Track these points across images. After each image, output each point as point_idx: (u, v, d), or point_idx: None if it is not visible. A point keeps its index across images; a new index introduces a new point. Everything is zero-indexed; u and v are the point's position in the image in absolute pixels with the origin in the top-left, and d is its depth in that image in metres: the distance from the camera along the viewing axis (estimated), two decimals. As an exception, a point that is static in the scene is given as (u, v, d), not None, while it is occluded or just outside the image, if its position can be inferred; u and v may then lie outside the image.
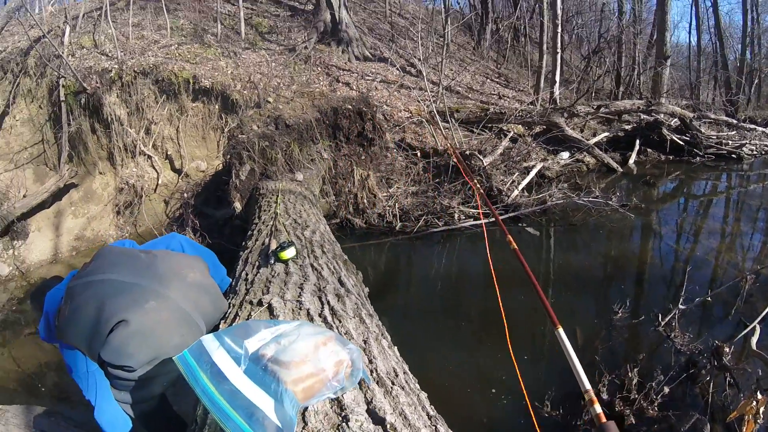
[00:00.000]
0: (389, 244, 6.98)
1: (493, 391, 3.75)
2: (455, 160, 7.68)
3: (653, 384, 3.34)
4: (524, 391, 2.47)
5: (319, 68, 11.60)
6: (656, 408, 3.26)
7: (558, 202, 7.28)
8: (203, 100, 9.69)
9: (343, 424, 1.36)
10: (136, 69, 9.56)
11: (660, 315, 4.23)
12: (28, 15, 10.67)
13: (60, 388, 4.83)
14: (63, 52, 9.44)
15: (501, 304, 3.17)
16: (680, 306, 4.20)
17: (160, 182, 9.24)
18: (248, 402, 1.34)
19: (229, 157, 6.84)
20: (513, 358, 2.68)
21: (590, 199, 7.04)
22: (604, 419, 0.86)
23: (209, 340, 1.58)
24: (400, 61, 13.20)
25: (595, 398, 0.93)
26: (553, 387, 3.51)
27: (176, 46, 10.95)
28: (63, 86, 9.14)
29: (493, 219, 6.91)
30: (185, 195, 8.45)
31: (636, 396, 3.32)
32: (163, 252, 2.34)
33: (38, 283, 2.94)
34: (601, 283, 5.63)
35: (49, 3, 13.33)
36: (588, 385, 0.95)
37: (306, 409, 1.42)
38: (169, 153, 9.57)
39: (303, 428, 1.37)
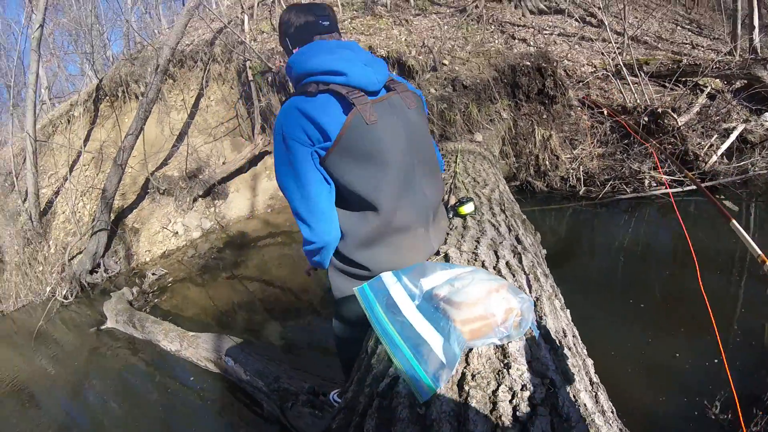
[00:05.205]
0: (571, 209, 6.57)
1: (656, 388, 3.37)
2: (621, 122, 6.96)
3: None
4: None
5: (492, 26, 11.09)
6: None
7: (761, 172, 6.16)
8: (381, 68, 9.77)
9: (504, 370, 1.32)
10: (314, 47, 9.94)
11: None
12: (207, 10, 11.72)
13: (251, 324, 5.45)
14: (245, 39, 10.22)
15: (702, 287, 2.99)
16: None
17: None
18: (417, 335, 1.40)
19: (407, 119, 6.89)
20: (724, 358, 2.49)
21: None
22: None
23: (388, 277, 1.68)
24: (578, 11, 12.15)
25: (765, 258, 0.83)
26: (727, 389, 3.01)
27: (349, 20, 11.18)
28: (250, 68, 9.90)
29: (686, 188, 6.14)
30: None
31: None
32: None
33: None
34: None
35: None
36: (759, 251, 0.86)
37: (470, 351, 1.40)
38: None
39: (465, 367, 1.35)
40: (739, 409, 2.52)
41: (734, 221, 1.13)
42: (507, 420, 1.14)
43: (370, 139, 1.66)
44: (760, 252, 0.94)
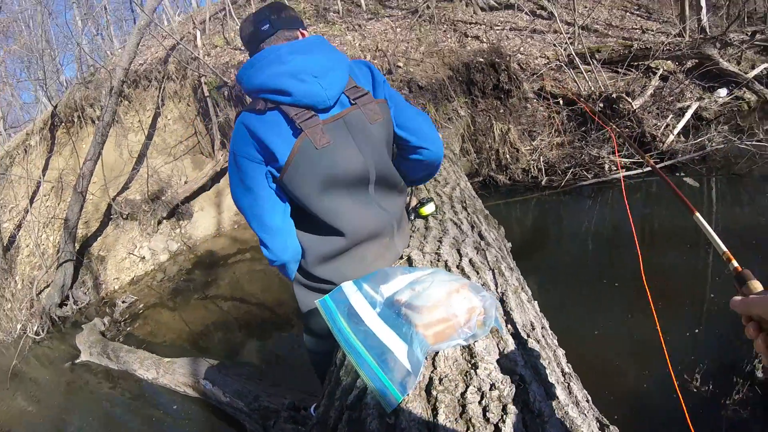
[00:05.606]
0: (535, 200, 6.67)
1: (642, 362, 3.44)
2: (584, 106, 7.08)
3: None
4: (669, 365, 2.45)
5: (445, 26, 11.18)
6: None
7: (718, 147, 6.30)
8: (337, 75, 9.77)
9: (471, 371, 1.31)
10: (271, 57, 9.89)
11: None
12: (158, 28, 11.70)
13: (227, 344, 5.38)
14: (199, 54, 10.08)
15: (642, 265, 3.05)
16: None
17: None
18: (380, 343, 1.39)
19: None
20: (658, 327, 2.61)
21: (753, 143, 6.01)
22: (740, 269, 0.86)
23: (348, 286, 1.65)
24: (528, 4, 12.31)
25: (731, 256, 0.95)
26: (706, 360, 3.20)
27: (303, 29, 11.15)
28: (205, 83, 9.81)
29: (646, 169, 6.26)
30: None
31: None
32: None
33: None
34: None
35: (175, 14, 14.38)
36: (724, 248, 0.99)
37: (437, 354, 1.40)
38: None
39: (432, 372, 1.35)
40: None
41: (697, 214, 1.14)
42: (477, 422, 1.13)
43: (321, 164, 1.59)
44: (725, 249, 0.94)
